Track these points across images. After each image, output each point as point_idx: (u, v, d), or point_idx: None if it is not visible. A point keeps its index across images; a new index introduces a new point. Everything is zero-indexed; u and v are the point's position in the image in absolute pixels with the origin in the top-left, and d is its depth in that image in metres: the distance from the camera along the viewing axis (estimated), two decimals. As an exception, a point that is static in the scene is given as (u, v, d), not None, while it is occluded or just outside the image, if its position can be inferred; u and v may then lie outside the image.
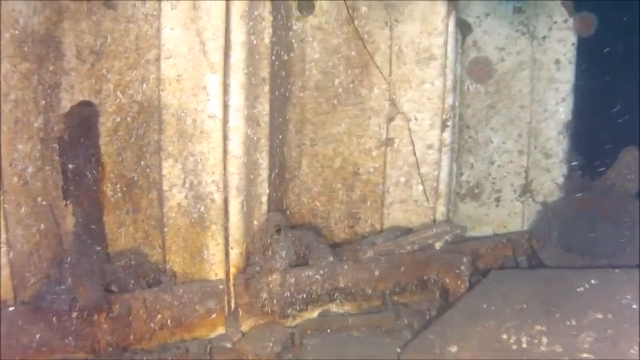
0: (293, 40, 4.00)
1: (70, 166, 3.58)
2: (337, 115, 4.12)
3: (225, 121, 3.43)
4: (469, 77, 4.57)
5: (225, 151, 3.45)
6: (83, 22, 3.47)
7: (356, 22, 4.06)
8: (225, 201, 3.51)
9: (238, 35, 3.40)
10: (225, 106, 3.42)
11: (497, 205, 4.76)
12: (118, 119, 3.58)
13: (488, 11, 4.55)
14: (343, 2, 4.05)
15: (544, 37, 4.56)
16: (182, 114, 3.46)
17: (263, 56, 3.62)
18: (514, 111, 4.64)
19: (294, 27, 4.01)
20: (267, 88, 3.65)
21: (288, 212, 4.07)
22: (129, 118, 3.59)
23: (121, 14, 3.50)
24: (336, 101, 4.10)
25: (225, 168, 3.46)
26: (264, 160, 3.69)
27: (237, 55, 3.42)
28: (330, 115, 4.11)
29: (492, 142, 4.70)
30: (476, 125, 4.70)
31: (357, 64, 4.09)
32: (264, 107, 3.65)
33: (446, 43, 4.04)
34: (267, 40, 3.64)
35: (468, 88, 4.63)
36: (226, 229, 3.55)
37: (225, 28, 3.40)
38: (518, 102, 4.63)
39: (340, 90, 4.09)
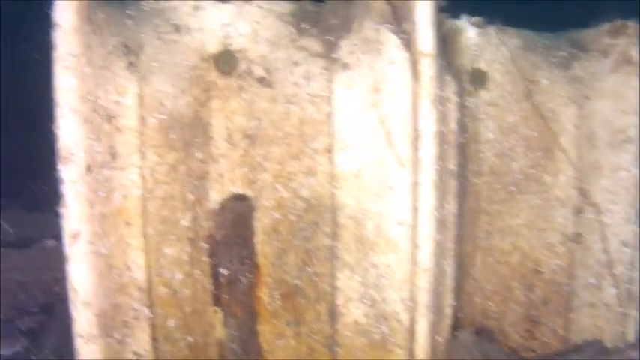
0: (466, 119, 3.47)
1: (221, 270, 3.10)
2: (516, 205, 3.55)
3: (414, 227, 2.88)
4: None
5: (414, 263, 2.89)
6: (234, 100, 3.03)
7: (535, 98, 3.50)
8: (412, 321, 2.94)
9: (429, 123, 2.87)
10: (415, 209, 2.87)
11: None
12: (278, 216, 3.08)
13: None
14: (519, 74, 3.51)
15: None
16: (362, 217, 2.93)
17: (450, 145, 3.09)
18: None
19: (466, 103, 3.48)
20: (453, 183, 3.11)
21: (459, 314, 3.50)
22: (292, 216, 3.08)
23: (279, 93, 3.05)
24: (514, 188, 3.53)
25: (413, 282, 2.90)
26: (450, 268, 3.13)
27: (428, 146, 2.88)
28: (507, 205, 3.55)
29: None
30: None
31: (539, 147, 3.54)
32: (451, 206, 3.10)
33: (643, 123, 3.47)
34: (453, 126, 3.12)
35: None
36: (412, 352, 2.98)
37: (413, 115, 2.88)
38: None
39: (519, 176, 3.53)
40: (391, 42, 2.78)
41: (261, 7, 3.14)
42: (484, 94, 3.51)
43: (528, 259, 3.57)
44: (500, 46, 3.53)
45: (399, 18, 2.91)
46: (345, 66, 2.91)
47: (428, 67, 2.78)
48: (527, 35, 3.60)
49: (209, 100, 3.07)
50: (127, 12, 2.87)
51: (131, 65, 2.70)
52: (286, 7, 3.14)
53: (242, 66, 3.11)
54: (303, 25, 3.08)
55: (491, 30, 3.53)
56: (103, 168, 2.64)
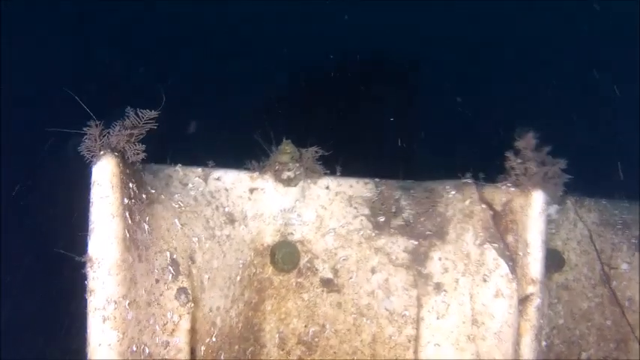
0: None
1: None
2: (585, 402, 3.18)
3: None
4: None
5: None
6: (291, 300, 2.53)
7: (614, 284, 3.15)
8: None
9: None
10: None
11: None
12: None
13: None
14: (597, 256, 3.15)
15: None
16: None
17: None
18: None
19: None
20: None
21: None
22: None
23: (349, 300, 2.70)
24: (584, 383, 3.16)
25: None
26: None
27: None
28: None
29: None
30: None
31: (612, 337, 3.18)
32: None
33: None
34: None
35: None
36: None
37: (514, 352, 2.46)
38: None
39: (589, 368, 3.17)
40: (499, 270, 2.34)
41: (328, 189, 2.63)
42: (557, 277, 3.12)
43: None
44: (578, 222, 3.15)
45: (502, 228, 2.47)
46: (439, 287, 2.44)
47: (537, 297, 2.36)
48: (605, 207, 3.24)
49: (263, 302, 2.55)
50: (173, 205, 2.30)
51: (181, 293, 2.13)
52: (360, 191, 2.64)
53: (303, 260, 2.60)
54: (381, 219, 2.58)
55: (569, 203, 3.14)
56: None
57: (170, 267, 2.12)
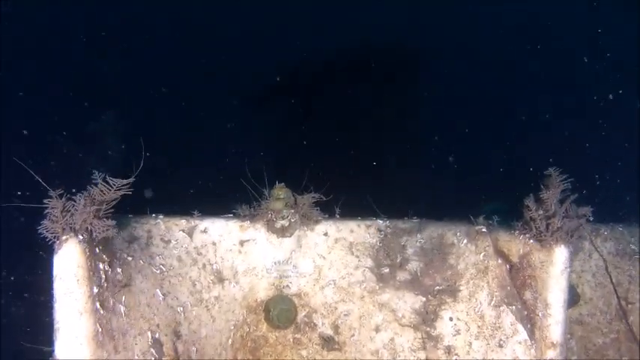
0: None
1: None
2: None
3: None
4: None
5: None
6: (288, 357, 2.33)
7: (631, 319, 2.95)
8: None
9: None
10: None
11: None
12: None
13: None
14: (613, 289, 2.94)
15: None
16: None
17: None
18: None
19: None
20: None
21: None
22: None
23: None
24: None
25: None
26: None
27: None
28: None
29: None
30: None
31: (628, 374, 3.00)
32: None
33: None
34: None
35: None
36: None
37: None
38: None
39: (603, 409, 3.00)
40: (517, 336, 2.12)
41: (327, 236, 2.37)
42: (571, 311, 2.91)
43: None
44: (593, 252, 2.93)
45: (519, 283, 2.24)
46: (450, 351, 2.22)
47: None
48: (621, 235, 3.01)
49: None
50: (154, 271, 2.04)
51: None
52: (362, 236, 2.39)
53: (301, 314, 2.36)
54: (385, 270, 2.34)
55: (585, 232, 2.91)
56: None
57: (152, 350, 1.88)
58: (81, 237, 1.64)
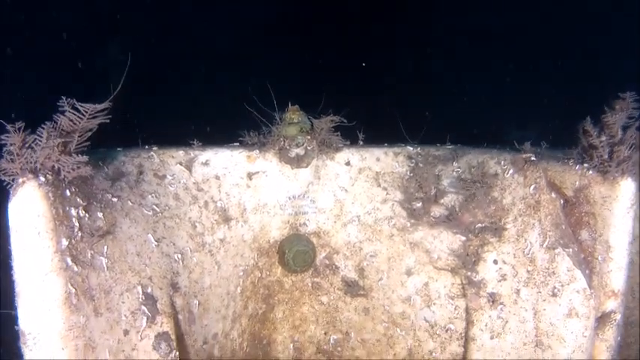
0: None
1: None
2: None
3: None
4: None
5: None
6: (306, 305, 2.17)
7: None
8: None
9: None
10: None
11: None
12: None
13: None
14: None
15: None
16: None
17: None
18: None
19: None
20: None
21: None
22: None
23: (379, 307, 2.29)
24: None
25: None
26: None
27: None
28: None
29: None
30: None
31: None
32: None
33: None
34: None
35: None
36: None
37: None
38: None
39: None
40: (574, 284, 1.80)
41: (349, 165, 2.03)
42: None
43: None
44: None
45: (573, 220, 1.89)
46: (494, 299, 1.91)
47: (617, 313, 1.84)
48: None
49: (272, 310, 2.06)
50: (145, 213, 1.73)
51: (161, 340, 1.62)
52: (389, 165, 2.04)
53: (320, 256, 2.07)
54: (418, 205, 2.00)
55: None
56: None
57: (144, 307, 1.60)
58: (42, 178, 1.31)
